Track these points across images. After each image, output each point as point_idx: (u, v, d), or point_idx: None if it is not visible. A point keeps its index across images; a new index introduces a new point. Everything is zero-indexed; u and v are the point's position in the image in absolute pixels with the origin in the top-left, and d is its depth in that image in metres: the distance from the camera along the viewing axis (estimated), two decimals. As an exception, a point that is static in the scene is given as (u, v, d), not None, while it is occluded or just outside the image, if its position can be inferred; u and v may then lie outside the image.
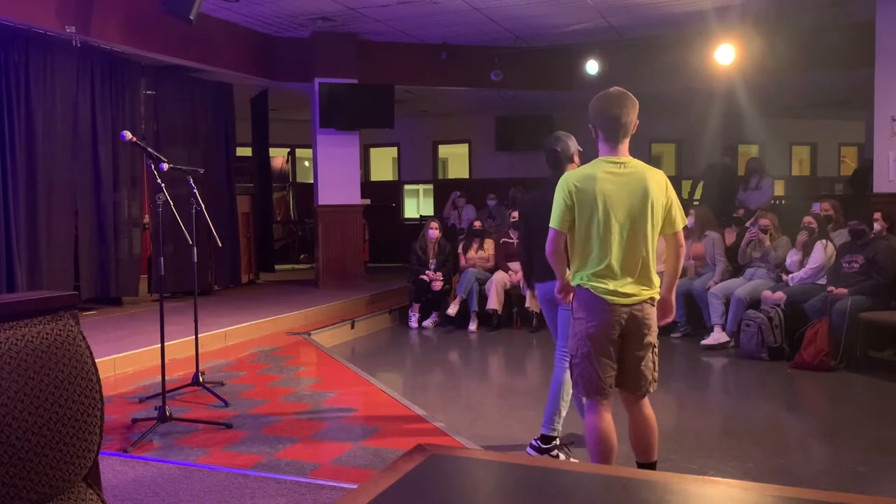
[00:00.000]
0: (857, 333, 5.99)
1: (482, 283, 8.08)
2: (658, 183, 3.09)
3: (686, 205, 8.03)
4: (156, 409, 4.31)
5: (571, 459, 3.91)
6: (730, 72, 8.90)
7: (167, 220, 4.59)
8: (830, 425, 4.91)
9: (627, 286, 3.05)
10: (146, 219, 8.29)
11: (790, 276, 6.67)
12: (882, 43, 7.33)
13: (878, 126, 7.38)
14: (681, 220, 3.18)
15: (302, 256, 13.46)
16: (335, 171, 9.71)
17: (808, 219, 6.77)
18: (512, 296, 7.91)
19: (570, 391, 3.83)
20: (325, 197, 9.71)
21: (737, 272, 7.29)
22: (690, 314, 7.36)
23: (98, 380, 1.55)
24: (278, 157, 14.02)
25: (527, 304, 6.85)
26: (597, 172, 3.09)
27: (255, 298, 8.86)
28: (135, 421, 4.40)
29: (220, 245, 5.28)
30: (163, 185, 4.20)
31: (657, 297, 3.15)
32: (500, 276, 7.99)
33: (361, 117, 9.67)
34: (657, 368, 3.18)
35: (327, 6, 8.11)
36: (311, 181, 10.48)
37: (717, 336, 6.85)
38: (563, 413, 3.96)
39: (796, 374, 5.94)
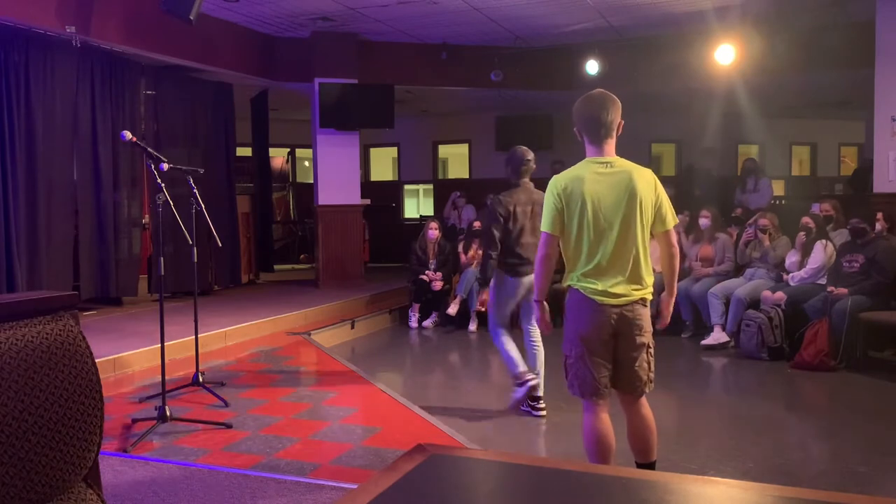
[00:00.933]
0: (857, 333, 5.99)
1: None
2: (646, 181, 3.10)
3: (686, 205, 8.05)
4: (156, 409, 4.31)
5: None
6: (730, 72, 8.89)
7: (167, 220, 4.59)
8: (830, 425, 4.90)
9: (618, 286, 3.04)
10: (146, 219, 8.28)
11: (790, 275, 6.66)
12: (882, 43, 7.34)
13: (878, 126, 7.38)
14: (671, 219, 3.17)
15: (302, 256, 13.46)
16: (335, 171, 9.71)
17: (805, 219, 6.77)
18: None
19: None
20: (325, 197, 9.71)
21: (737, 272, 7.29)
22: (696, 316, 7.32)
23: (98, 380, 1.54)
24: (278, 157, 14.01)
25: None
26: (584, 173, 3.10)
27: (255, 298, 8.86)
28: (135, 421, 4.40)
29: (220, 245, 5.27)
30: (163, 185, 4.20)
31: (650, 297, 3.13)
32: (500, 276, 7.98)
33: (361, 117, 9.67)
34: (653, 369, 3.17)
35: (327, 6, 8.11)
36: (311, 181, 10.48)
37: (717, 336, 6.85)
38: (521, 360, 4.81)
39: (796, 374, 5.94)
